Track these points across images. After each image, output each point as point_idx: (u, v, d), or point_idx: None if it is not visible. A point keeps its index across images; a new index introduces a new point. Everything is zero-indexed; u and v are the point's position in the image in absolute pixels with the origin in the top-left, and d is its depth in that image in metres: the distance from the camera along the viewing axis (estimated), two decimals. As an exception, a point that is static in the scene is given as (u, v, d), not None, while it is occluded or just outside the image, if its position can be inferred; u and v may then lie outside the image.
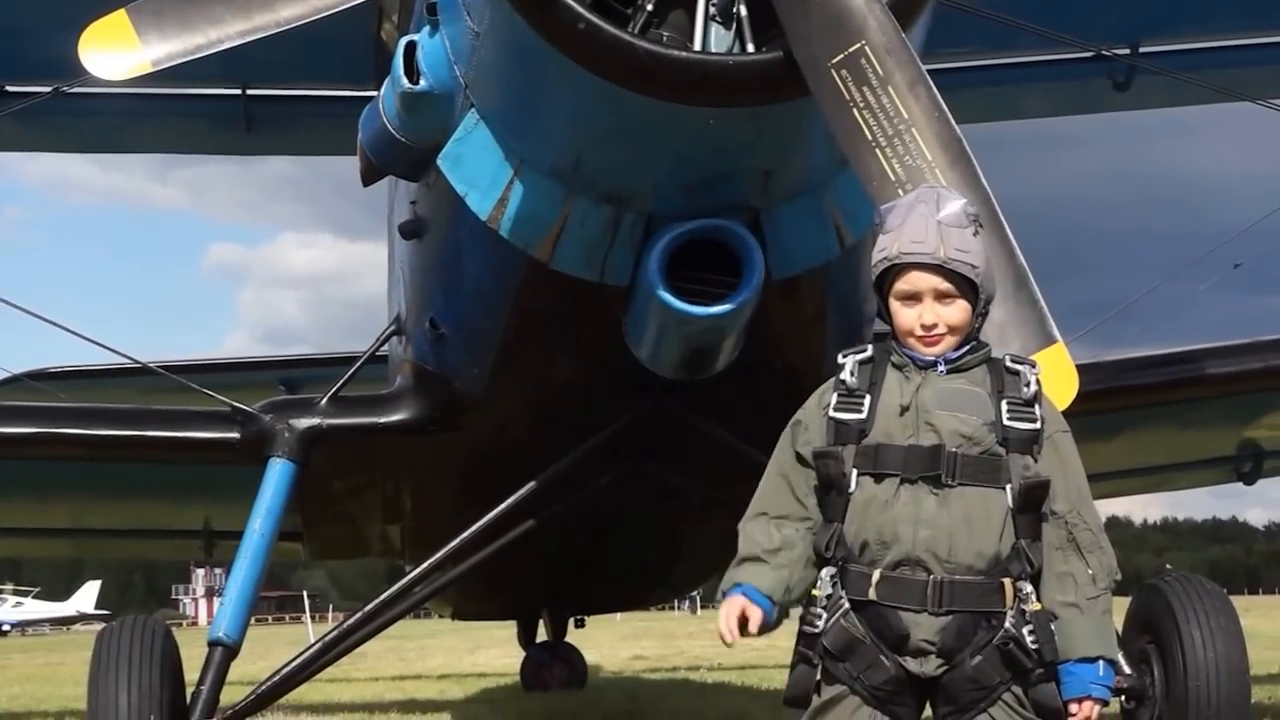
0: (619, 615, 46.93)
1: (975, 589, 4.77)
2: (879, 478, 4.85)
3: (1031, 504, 4.82)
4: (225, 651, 8.88)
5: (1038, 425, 4.90)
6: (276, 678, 9.15)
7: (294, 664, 9.19)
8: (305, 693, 15.12)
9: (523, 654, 19.14)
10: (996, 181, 5.82)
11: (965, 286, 4.90)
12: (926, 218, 4.89)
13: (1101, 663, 4.84)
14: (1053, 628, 4.80)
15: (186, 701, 8.78)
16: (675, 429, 8.45)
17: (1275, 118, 11.29)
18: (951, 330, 4.91)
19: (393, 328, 10.06)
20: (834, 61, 5.75)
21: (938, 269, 4.85)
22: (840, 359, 5.04)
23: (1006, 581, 4.79)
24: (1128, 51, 13.27)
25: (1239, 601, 14.21)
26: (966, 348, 4.96)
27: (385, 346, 10.45)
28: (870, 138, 5.69)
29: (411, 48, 7.39)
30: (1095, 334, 12.36)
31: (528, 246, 7.39)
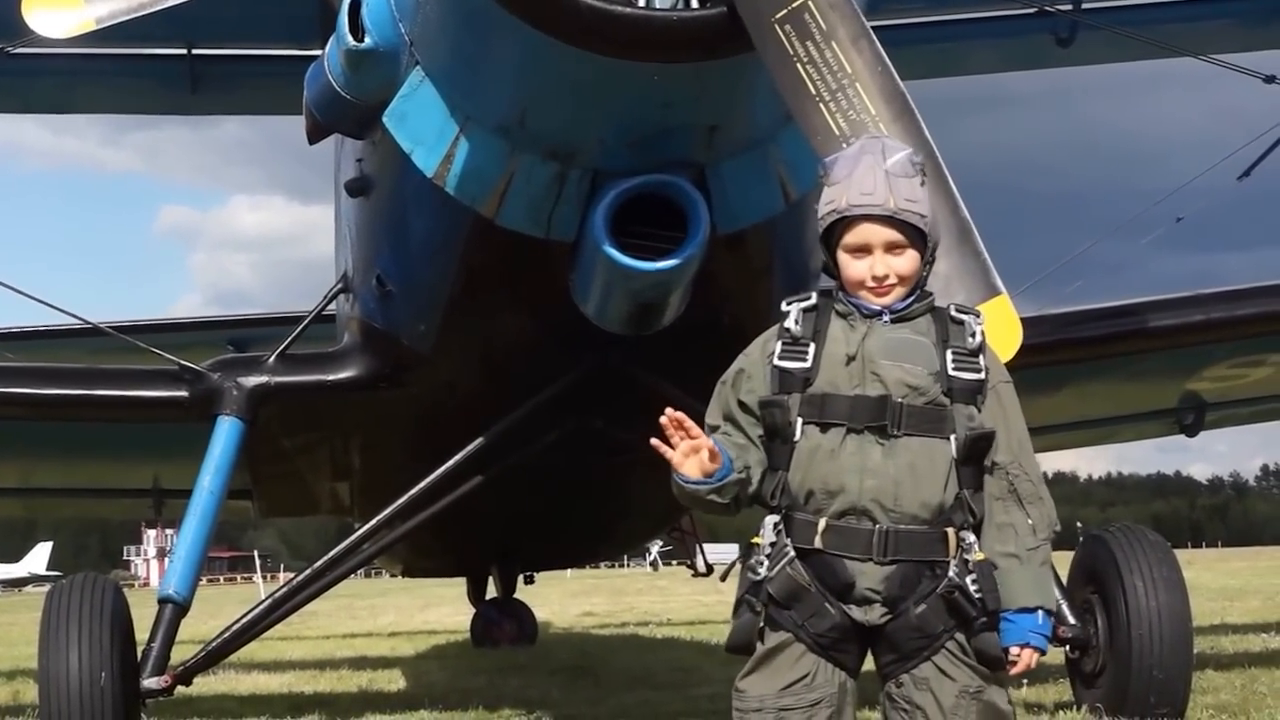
0: (569, 572, 47.13)
1: (919, 538, 4.75)
2: (824, 427, 4.81)
3: (975, 455, 4.81)
4: (175, 609, 8.88)
5: (982, 375, 4.87)
6: (226, 634, 9.15)
7: (243, 621, 9.19)
8: (256, 650, 15.13)
9: (473, 611, 19.18)
10: (940, 142, 5.83)
11: (914, 236, 4.86)
12: (874, 168, 4.84)
13: (1040, 612, 4.84)
14: (994, 577, 4.79)
15: (137, 659, 8.76)
16: (622, 385, 8.44)
17: (1217, 73, 11.32)
18: (901, 280, 4.86)
19: (340, 285, 10.03)
20: (778, 16, 5.74)
21: (888, 220, 4.80)
22: (784, 306, 4.98)
23: (950, 531, 4.78)
24: (1070, 7, 13.32)
25: (1182, 555, 14.33)
26: (912, 297, 4.92)
27: (333, 305, 10.42)
28: (814, 92, 5.68)
29: (356, 5, 7.34)
30: (1038, 291, 12.41)
31: (474, 203, 7.37)
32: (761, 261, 8.16)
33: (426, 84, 7.22)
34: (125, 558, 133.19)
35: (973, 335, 4.91)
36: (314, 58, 8.01)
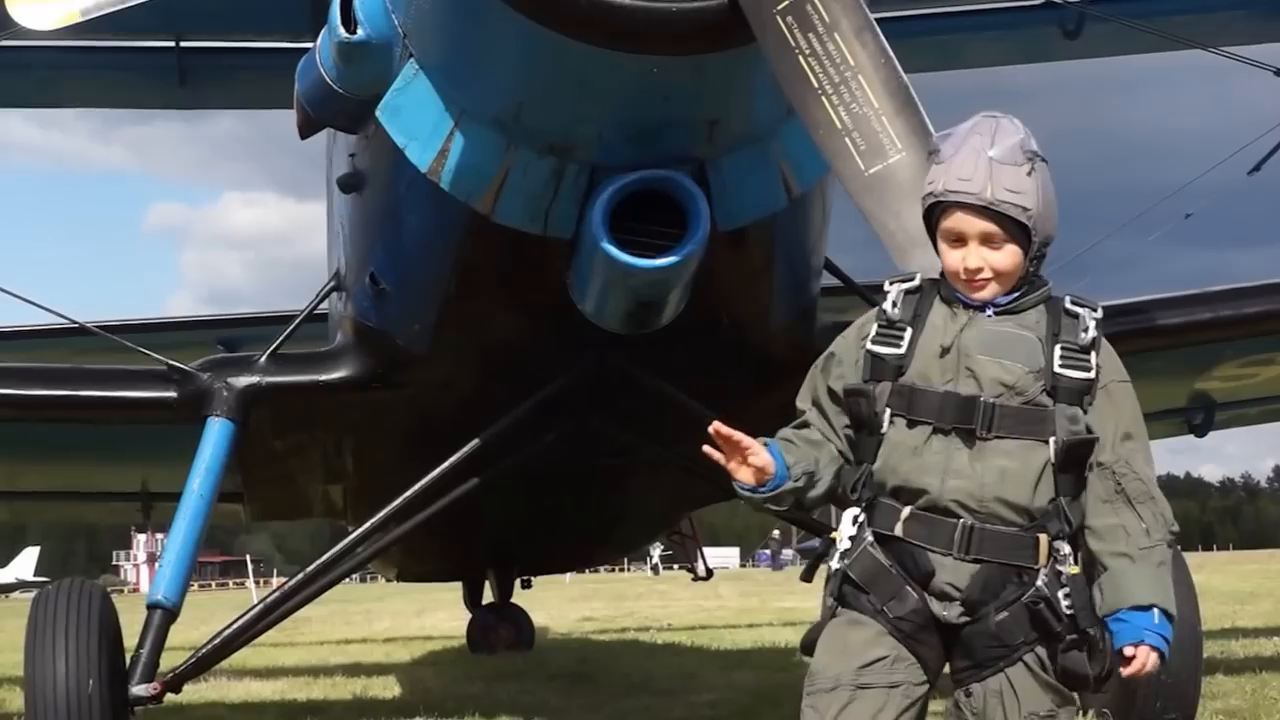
0: (568, 576, 47.08)
1: (1006, 540, 4.56)
2: (911, 422, 4.65)
3: (1074, 461, 4.60)
4: (165, 614, 8.85)
5: (1091, 374, 4.66)
6: (217, 640, 9.11)
7: (235, 627, 9.16)
8: (248, 657, 15.15)
9: (469, 616, 19.17)
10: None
11: (1015, 229, 4.62)
12: (978, 152, 4.62)
13: (1157, 611, 4.60)
14: (1100, 584, 4.59)
15: (126, 666, 8.75)
16: (620, 385, 8.44)
17: (1227, 66, 11.30)
18: (998, 276, 4.65)
19: (332, 284, 10.01)
20: (779, 8, 5.72)
21: (984, 210, 4.60)
22: (886, 286, 4.83)
23: (1042, 537, 4.57)
24: (1077, -1, 13.30)
25: (1192, 558, 14.33)
26: (1019, 291, 4.71)
27: (325, 304, 10.41)
28: (816, 85, 5.66)
29: (349, -4, 7.34)
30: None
31: (469, 199, 7.36)
32: (763, 259, 8.16)
33: (420, 77, 7.21)
34: (114, 563, 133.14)
35: (1085, 330, 4.70)
36: (305, 50, 7.99)
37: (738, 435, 4.63)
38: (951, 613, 4.59)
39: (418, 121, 7.31)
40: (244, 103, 15.64)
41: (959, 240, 4.66)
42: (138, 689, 8.65)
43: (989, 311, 4.68)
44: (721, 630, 20.42)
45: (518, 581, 18.08)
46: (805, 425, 4.83)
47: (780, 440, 4.75)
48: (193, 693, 13.10)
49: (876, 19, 5.82)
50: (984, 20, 14.21)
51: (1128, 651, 4.56)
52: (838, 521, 4.78)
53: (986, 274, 4.64)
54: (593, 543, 14.19)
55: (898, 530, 4.62)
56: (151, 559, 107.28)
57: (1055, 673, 4.59)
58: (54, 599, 8.78)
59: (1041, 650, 4.57)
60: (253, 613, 9.28)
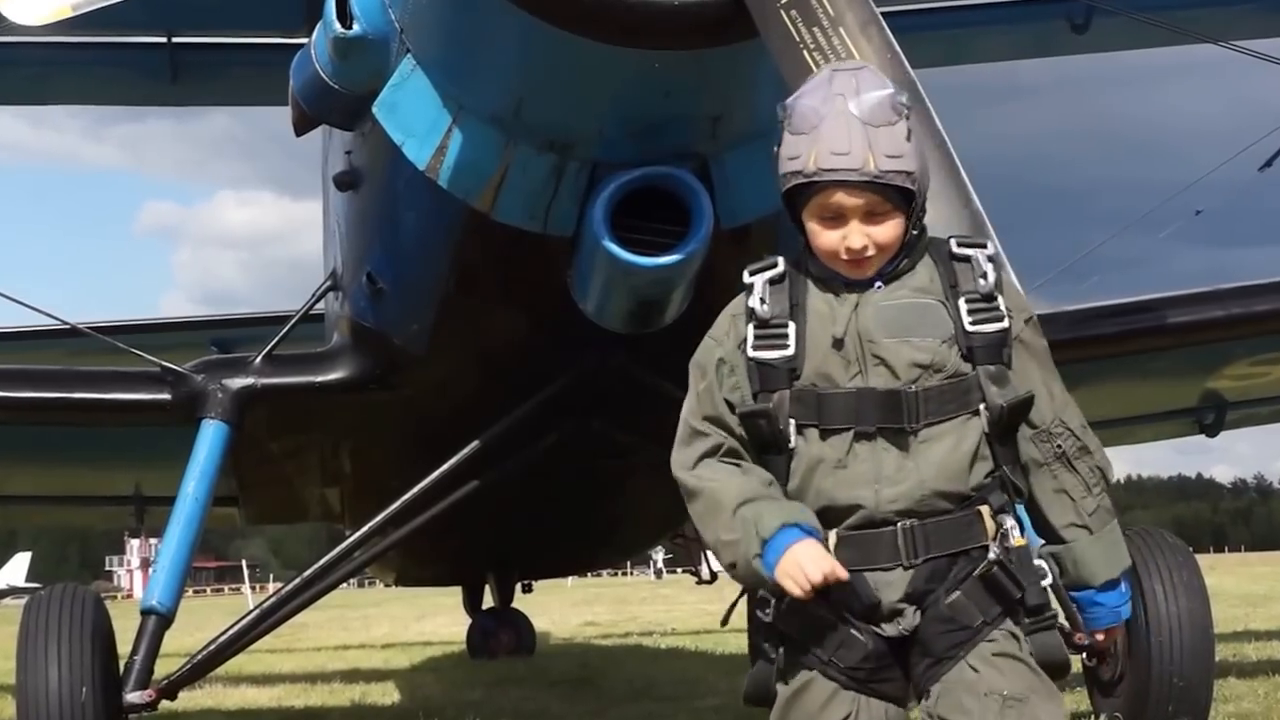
0: (569, 581, 47.15)
1: (950, 527, 4.10)
2: (826, 432, 4.11)
3: (1013, 425, 4.18)
4: (159, 620, 8.84)
5: (1005, 324, 4.18)
6: (213, 647, 9.11)
7: (230, 633, 9.15)
8: (245, 663, 15.15)
9: (469, 621, 19.17)
10: (951, 132, 5.78)
11: (898, 198, 4.13)
12: (847, 118, 4.06)
13: (1123, 583, 4.30)
14: (1058, 557, 4.22)
15: (119, 673, 8.74)
16: (622, 385, 8.43)
17: (1238, 60, 11.28)
18: (881, 249, 4.14)
19: (329, 283, 10.01)
20: (783, 2, 5.71)
21: (866, 185, 4.07)
22: (746, 277, 4.30)
23: (984, 510, 4.13)
24: (1086, -9, 13.28)
25: (1204, 559, 14.33)
26: (902, 252, 4.21)
27: (321, 304, 10.40)
28: (821, 80, 5.65)
29: (344, -9, 7.33)
30: (1052, 288, 12.39)
31: (468, 197, 7.35)
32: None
33: (418, 73, 7.20)
34: (107, 568, 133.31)
35: (984, 275, 4.19)
36: (300, 45, 7.98)
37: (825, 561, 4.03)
38: (906, 623, 4.11)
39: (415, 118, 7.29)
40: (237, 99, 15.66)
41: (836, 219, 4.14)
42: (132, 696, 8.64)
43: (877, 285, 4.18)
44: (726, 635, 20.34)
45: (518, 586, 18.08)
46: (719, 450, 4.25)
47: (770, 503, 4.12)
48: (188, 700, 13.10)
49: (882, 13, 5.80)
50: (991, 14, 14.22)
51: (1098, 637, 4.40)
52: None
53: (871, 250, 4.13)
54: (594, 546, 14.19)
55: None
56: (145, 564, 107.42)
57: (1030, 653, 4.15)
58: (46, 605, 8.76)
59: (1009, 625, 4.12)
60: (249, 618, 9.28)
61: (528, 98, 6.89)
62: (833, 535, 4.08)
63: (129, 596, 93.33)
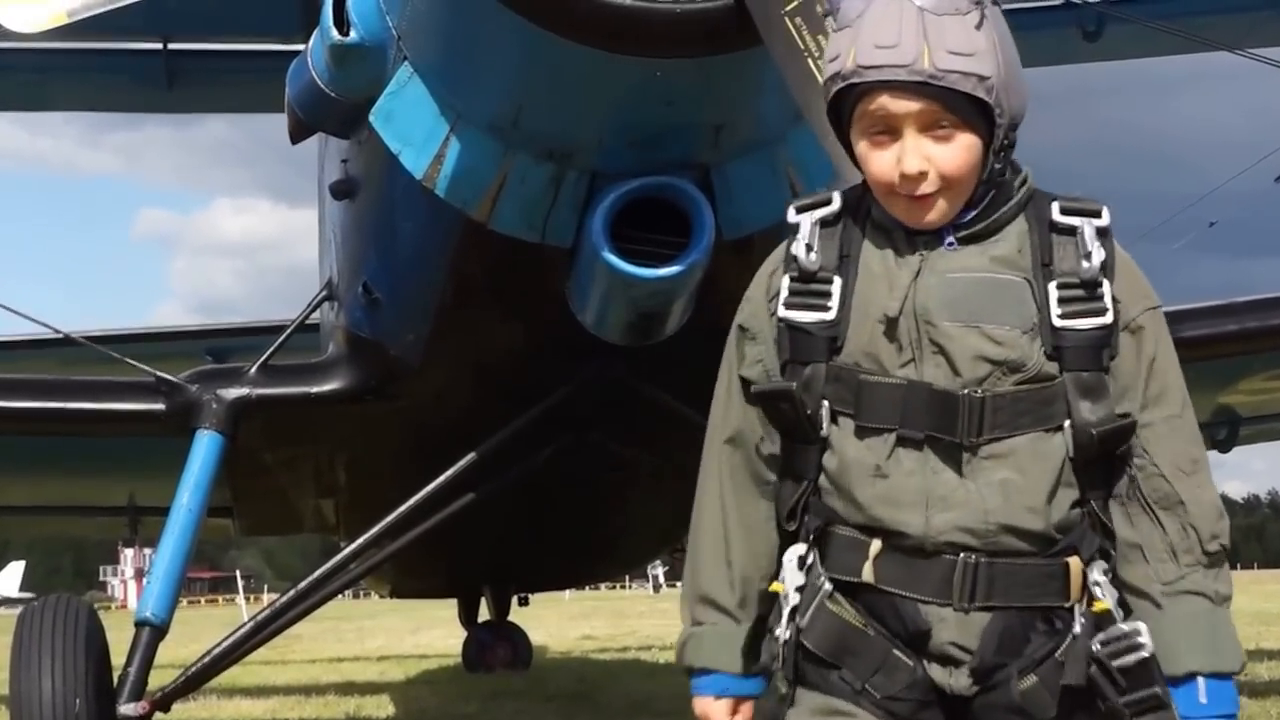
0: (567, 594, 47.07)
1: (1025, 574, 3.25)
2: (863, 431, 3.30)
3: (1107, 451, 3.30)
4: (153, 631, 8.83)
5: (1109, 319, 3.28)
6: (207, 659, 9.09)
7: (225, 644, 9.14)
8: (239, 675, 15.12)
9: (465, 634, 19.16)
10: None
11: (970, 110, 3.26)
12: (900, 3, 3.25)
13: (1201, 680, 3.28)
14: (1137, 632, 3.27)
15: (113, 684, 8.74)
16: (621, 397, 8.41)
17: (1255, 69, 11.23)
18: (949, 183, 3.26)
19: (324, 293, 10.00)
20: (787, 9, 5.69)
21: (922, 87, 3.22)
22: (792, 215, 3.46)
23: (1073, 562, 3.28)
24: (1098, -1, 13.25)
25: (1213, 575, 14.25)
26: (987, 198, 3.33)
27: (316, 313, 10.39)
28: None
29: (341, -3, 7.32)
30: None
31: (465, 206, 7.32)
32: (769, 268, 8.12)
33: (415, 80, 7.18)
34: (101, 578, 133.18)
35: (1088, 254, 3.29)
36: (296, 53, 7.97)
37: None
38: (960, 682, 3.28)
39: (412, 126, 7.27)
40: (233, 106, 15.69)
41: (886, 134, 3.28)
42: (126, 708, 8.63)
43: (948, 240, 3.32)
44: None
45: (515, 598, 18.07)
46: (737, 471, 3.48)
47: (715, 628, 3.49)
48: (182, 712, 13.05)
49: (887, 21, 5.80)
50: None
51: None
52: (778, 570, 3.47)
53: (932, 181, 3.26)
54: (593, 559, 14.19)
55: (865, 573, 3.31)
56: (139, 574, 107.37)
57: None
58: (40, 616, 8.77)
59: None
60: (243, 630, 9.26)
61: (526, 106, 6.87)
62: (876, 543, 3.30)
63: (123, 607, 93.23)
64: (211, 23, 12.94)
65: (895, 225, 3.33)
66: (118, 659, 8.87)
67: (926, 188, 3.25)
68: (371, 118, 7.45)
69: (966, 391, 3.24)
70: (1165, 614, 3.28)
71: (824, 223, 3.39)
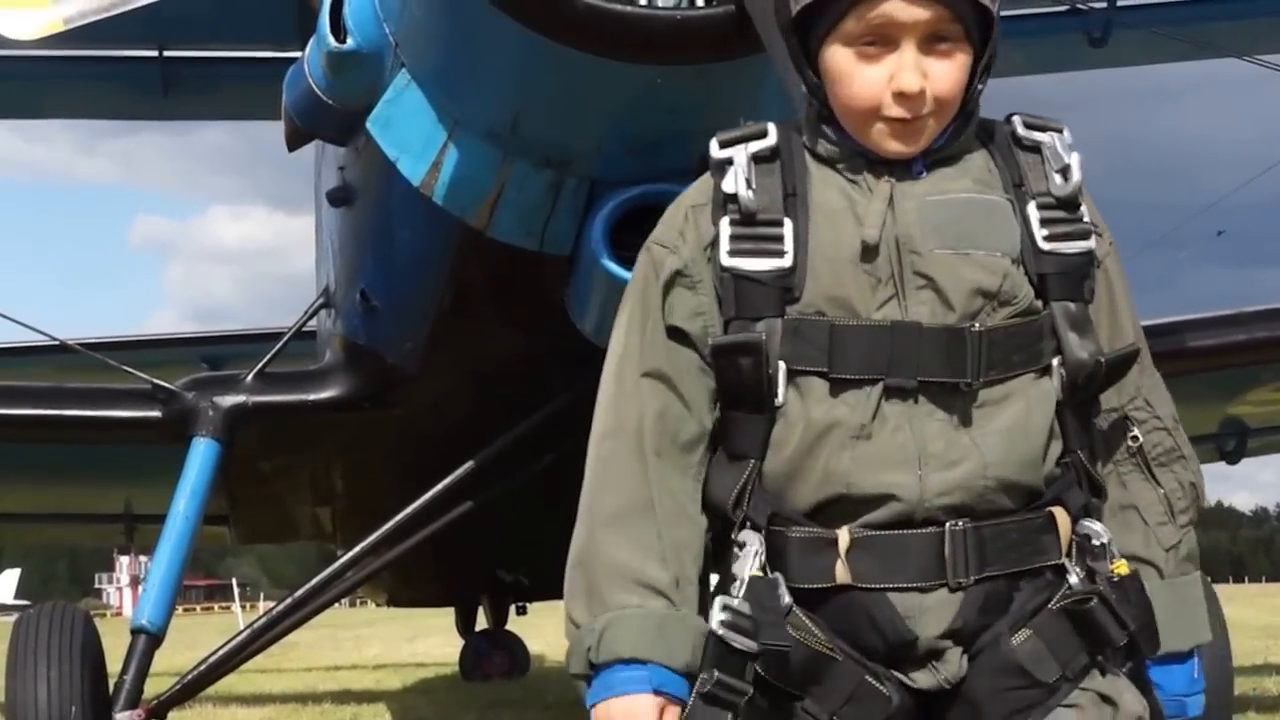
0: (564, 601, 47.00)
1: (1015, 534, 2.88)
2: (838, 385, 2.84)
3: (1100, 391, 2.99)
4: (149, 639, 8.83)
5: (1090, 242, 2.95)
6: (203, 667, 9.11)
7: (221, 652, 9.16)
8: (235, 683, 15.10)
9: (462, 643, 19.15)
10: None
11: (974, 20, 2.90)
12: None
13: (1195, 660, 3.15)
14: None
15: (109, 692, 8.74)
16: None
17: (1264, 76, 11.19)
18: (940, 104, 2.88)
19: (321, 301, 10.00)
20: (787, 16, 5.69)
21: None
22: (715, 150, 2.94)
23: (1058, 513, 2.91)
24: (1105, 5, 13.19)
25: (1223, 590, 14.28)
26: (954, 124, 2.95)
27: (314, 321, 10.40)
28: (825, 96, 5.63)
29: (338, 4, 7.29)
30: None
31: (463, 214, 7.32)
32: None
33: (413, 87, 7.17)
34: (97, 585, 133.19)
35: (1063, 172, 2.94)
36: (293, 60, 7.97)
37: None
38: (950, 670, 2.88)
39: (410, 134, 7.26)
40: (229, 114, 15.69)
41: (883, 45, 2.86)
42: (121, 716, 8.63)
43: (918, 169, 2.92)
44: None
45: (513, 607, 18.04)
46: (663, 450, 2.95)
47: (640, 613, 2.85)
48: (177, 721, 13.08)
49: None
50: (1005, 27, 13.94)
51: None
52: (719, 556, 2.96)
53: (928, 102, 2.86)
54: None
55: (839, 574, 2.84)
56: (135, 582, 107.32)
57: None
58: (35, 623, 8.78)
59: (1100, 682, 2.90)
60: (239, 638, 9.27)
61: (525, 113, 6.86)
62: (844, 534, 2.84)
63: (118, 614, 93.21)
64: (208, 30, 12.92)
65: (854, 154, 2.92)
66: (113, 666, 8.88)
67: (925, 110, 2.86)
68: (369, 125, 7.44)
69: (968, 326, 2.85)
70: (1167, 586, 3.04)
71: (759, 157, 2.90)
